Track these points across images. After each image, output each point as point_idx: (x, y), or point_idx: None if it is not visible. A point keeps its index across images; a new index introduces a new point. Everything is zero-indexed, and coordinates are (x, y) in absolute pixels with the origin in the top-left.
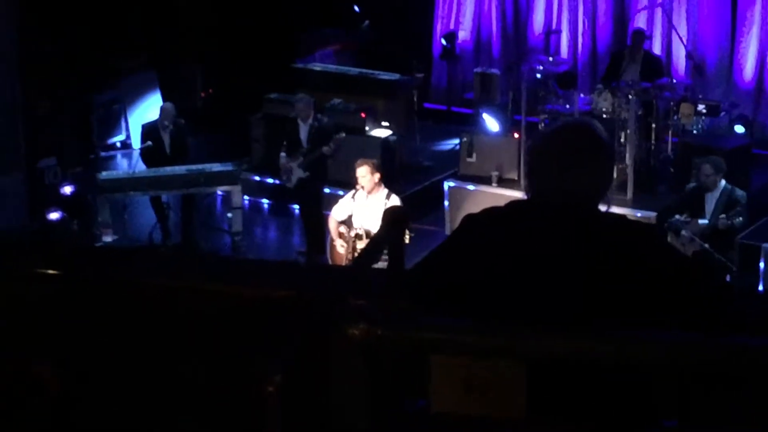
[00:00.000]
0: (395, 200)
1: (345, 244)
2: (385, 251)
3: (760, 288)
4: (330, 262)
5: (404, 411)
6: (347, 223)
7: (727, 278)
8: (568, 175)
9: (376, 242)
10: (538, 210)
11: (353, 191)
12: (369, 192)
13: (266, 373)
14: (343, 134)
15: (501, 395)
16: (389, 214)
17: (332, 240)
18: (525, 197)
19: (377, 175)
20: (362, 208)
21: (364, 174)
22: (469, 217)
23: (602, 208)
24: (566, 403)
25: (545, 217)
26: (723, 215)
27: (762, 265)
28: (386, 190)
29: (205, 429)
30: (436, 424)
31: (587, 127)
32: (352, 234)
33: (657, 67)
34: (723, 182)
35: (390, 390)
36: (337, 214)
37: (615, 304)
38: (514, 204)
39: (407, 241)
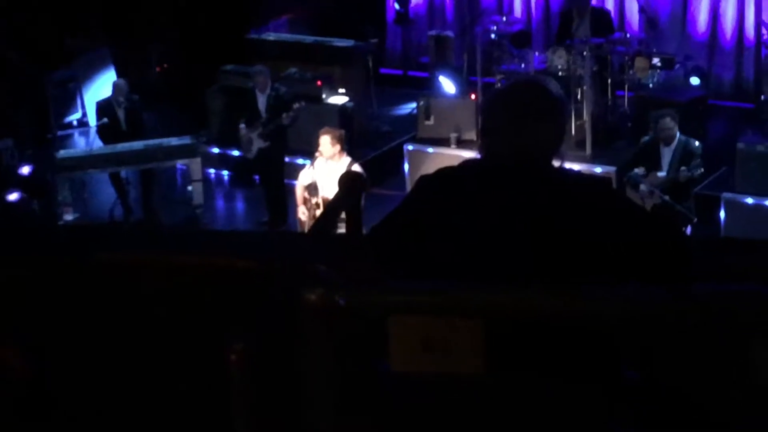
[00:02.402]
0: (357, 168)
1: (306, 211)
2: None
3: (721, 236)
4: (298, 228)
5: (373, 372)
6: (312, 188)
7: (688, 229)
8: (520, 133)
9: (332, 208)
10: (491, 168)
11: (313, 159)
12: (329, 158)
13: (230, 342)
14: (302, 103)
15: (459, 353)
16: (344, 180)
17: (297, 206)
18: (479, 156)
19: (338, 146)
20: (324, 175)
21: (325, 143)
22: (423, 179)
23: (556, 163)
24: (526, 358)
25: (498, 175)
26: (684, 167)
27: (722, 214)
28: (349, 159)
29: (172, 400)
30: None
31: (538, 84)
32: (313, 201)
33: (606, 21)
34: (678, 133)
35: (357, 352)
36: (303, 180)
37: (572, 259)
38: (467, 163)
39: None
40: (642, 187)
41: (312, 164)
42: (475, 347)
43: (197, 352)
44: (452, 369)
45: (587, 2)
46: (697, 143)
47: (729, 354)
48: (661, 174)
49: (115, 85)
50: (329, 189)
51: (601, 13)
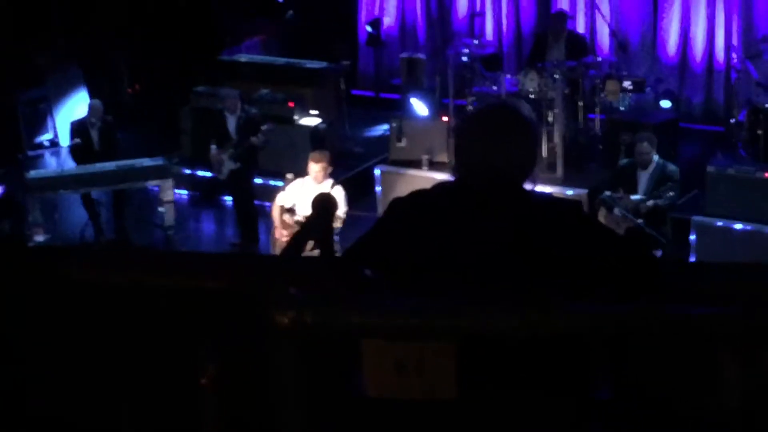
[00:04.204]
0: (338, 190)
1: (284, 232)
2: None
3: (692, 259)
4: (272, 249)
5: (346, 394)
6: (291, 211)
7: (658, 253)
8: (493, 155)
9: (305, 230)
10: (464, 191)
11: (302, 180)
12: (318, 182)
13: (201, 365)
14: (271, 125)
15: (433, 377)
16: (317, 202)
17: (275, 227)
18: (452, 179)
19: (329, 169)
20: (305, 197)
21: (321, 169)
22: (396, 201)
23: (528, 186)
24: (498, 378)
25: (471, 198)
26: (651, 195)
27: (693, 237)
28: (331, 180)
29: (143, 421)
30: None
31: (511, 107)
32: (293, 221)
33: (581, 46)
34: (656, 157)
35: (329, 374)
36: (281, 201)
37: (545, 279)
38: (440, 186)
39: (340, 225)
40: (615, 211)
41: (284, 186)
42: (449, 371)
43: (168, 374)
44: (426, 393)
45: (564, 26)
46: (674, 167)
47: (699, 371)
48: (635, 197)
49: (90, 106)
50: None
51: (577, 37)
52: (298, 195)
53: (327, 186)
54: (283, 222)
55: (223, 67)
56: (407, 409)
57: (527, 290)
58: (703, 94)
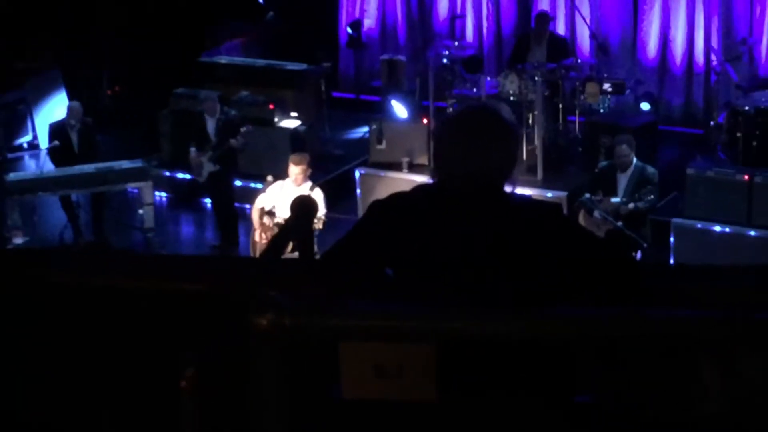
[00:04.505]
0: (317, 192)
1: (263, 234)
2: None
3: (671, 261)
4: (252, 252)
5: (328, 397)
6: (270, 213)
7: (638, 255)
8: (473, 157)
9: (284, 232)
10: (443, 193)
11: (281, 182)
12: (297, 185)
13: (180, 368)
14: (250, 127)
15: (412, 379)
16: (296, 204)
17: (254, 230)
18: (432, 181)
19: (309, 171)
20: (284, 199)
21: (301, 172)
22: (376, 203)
23: (508, 188)
24: (478, 380)
25: (451, 200)
26: (630, 198)
27: (672, 239)
28: (310, 182)
29: (123, 425)
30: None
31: (490, 110)
32: (273, 223)
33: (563, 48)
34: (635, 160)
35: (310, 377)
36: (260, 204)
37: (525, 282)
38: (420, 188)
39: (320, 227)
40: (595, 214)
41: (264, 189)
42: (428, 374)
43: (146, 377)
44: (405, 396)
45: (546, 27)
46: (653, 170)
47: (679, 375)
48: (615, 200)
49: (69, 108)
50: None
51: (558, 39)
52: (278, 197)
53: (306, 188)
54: (262, 225)
55: (202, 69)
56: (388, 413)
57: (507, 293)
58: (683, 97)
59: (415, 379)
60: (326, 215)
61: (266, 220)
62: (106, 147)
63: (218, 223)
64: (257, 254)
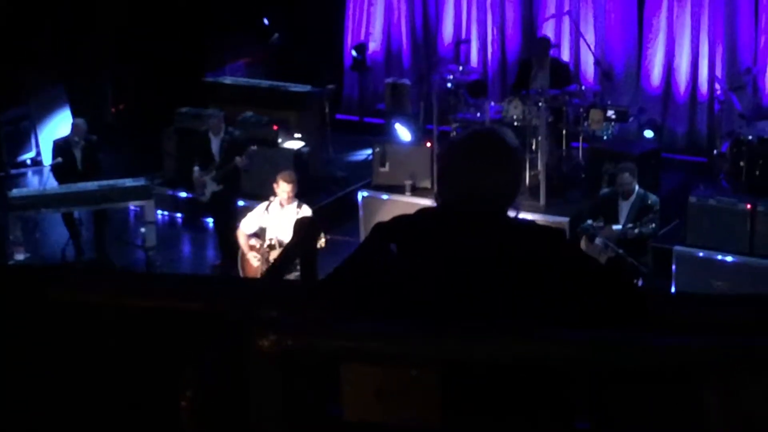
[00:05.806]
0: (306, 210)
1: (258, 256)
2: (297, 261)
3: (673, 290)
4: (242, 274)
5: (328, 417)
6: (258, 235)
7: (639, 282)
8: (476, 182)
9: (288, 253)
10: (447, 217)
11: (266, 203)
12: (285, 204)
13: (179, 388)
14: (255, 147)
15: (414, 404)
16: (300, 225)
17: (243, 254)
18: (435, 204)
19: (296, 190)
20: (276, 219)
21: (288, 189)
22: (379, 226)
23: (511, 213)
24: (479, 404)
25: (455, 225)
26: (630, 225)
27: (674, 267)
28: (296, 200)
29: None
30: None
31: (495, 134)
32: (266, 245)
33: (565, 74)
34: (637, 187)
35: (311, 399)
36: (246, 227)
37: (526, 308)
38: (423, 212)
39: (322, 245)
40: (597, 241)
41: (266, 209)
42: (431, 398)
43: (146, 396)
44: (408, 419)
45: (547, 52)
46: (654, 198)
47: (679, 401)
48: (617, 227)
49: (74, 125)
50: (281, 231)
51: (561, 65)
52: (266, 218)
53: (294, 206)
54: (252, 247)
55: (207, 89)
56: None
57: (511, 316)
58: (686, 125)
59: (419, 402)
60: (328, 237)
61: (254, 242)
62: (109, 164)
63: (220, 242)
64: (248, 275)
